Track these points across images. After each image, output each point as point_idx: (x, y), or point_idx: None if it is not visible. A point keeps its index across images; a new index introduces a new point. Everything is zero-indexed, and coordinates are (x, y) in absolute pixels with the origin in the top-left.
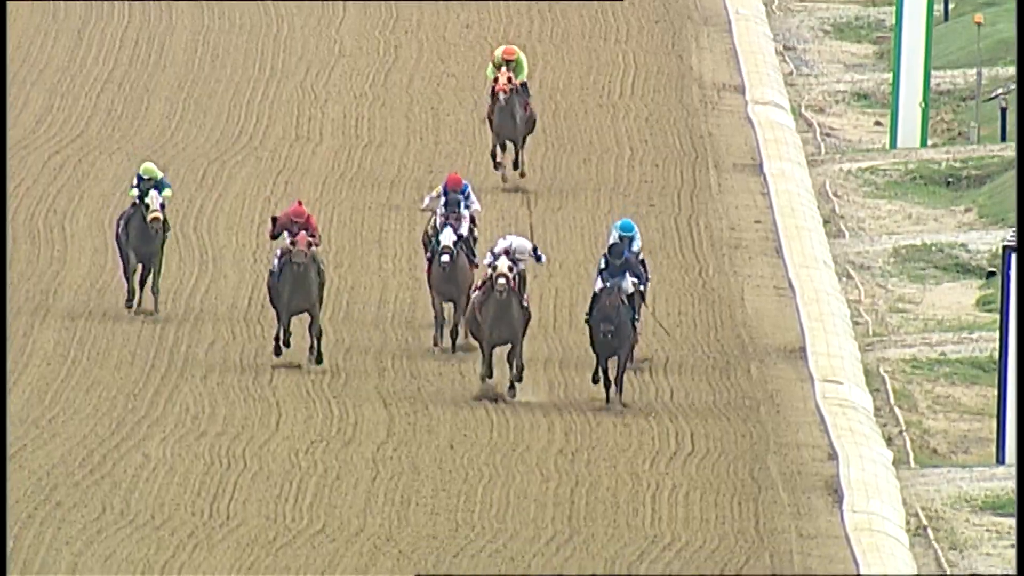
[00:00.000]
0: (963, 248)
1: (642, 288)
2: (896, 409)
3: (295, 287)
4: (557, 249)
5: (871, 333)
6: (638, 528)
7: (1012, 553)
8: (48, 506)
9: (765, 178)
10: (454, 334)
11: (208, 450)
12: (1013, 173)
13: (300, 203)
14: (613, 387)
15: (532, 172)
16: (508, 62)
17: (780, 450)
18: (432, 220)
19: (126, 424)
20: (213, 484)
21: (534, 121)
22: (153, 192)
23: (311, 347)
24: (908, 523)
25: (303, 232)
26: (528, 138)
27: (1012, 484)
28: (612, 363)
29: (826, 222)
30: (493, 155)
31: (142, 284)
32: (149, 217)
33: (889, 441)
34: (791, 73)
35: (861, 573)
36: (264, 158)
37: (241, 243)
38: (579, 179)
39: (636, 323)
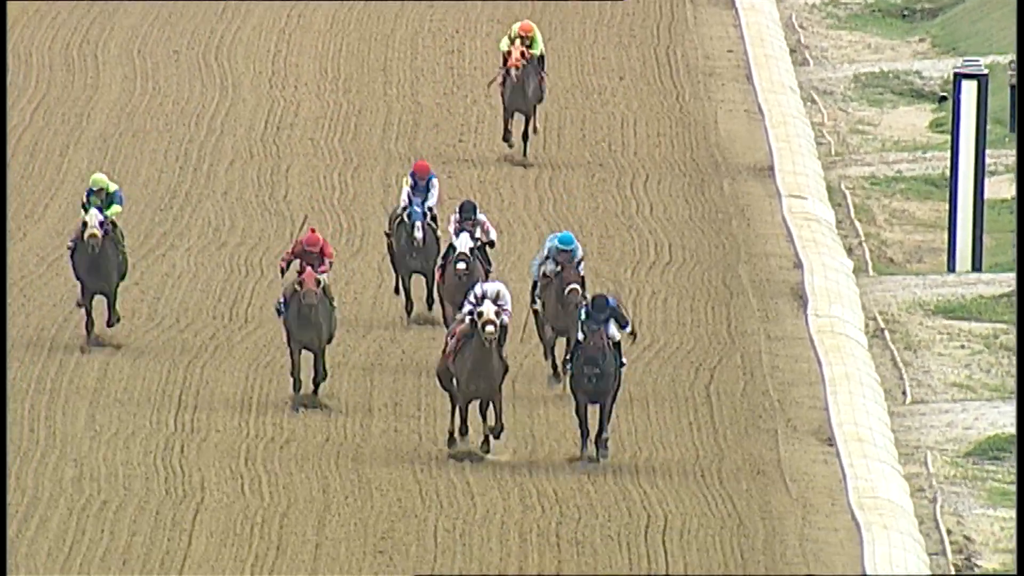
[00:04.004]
0: (917, 75)
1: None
2: (856, 222)
3: (302, 324)
4: (548, 74)
5: (833, 153)
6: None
7: (962, 353)
8: (82, 310)
9: (736, 11)
10: None
11: (228, 260)
12: (964, 6)
13: (313, 230)
14: (591, 440)
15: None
16: (523, 38)
17: (750, 259)
18: (396, 210)
19: (154, 235)
20: (233, 291)
21: (543, 92)
22: (93, 210)
23: (314, 382)
24: (867, 326)
25: (310, 269)
26: (538, 108)
27: (962, 291)
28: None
29: (792, 51)
30: (505, 127)
31: (108, 321)
32: (88, 233)
33: (850, 251)
34: None
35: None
36: None
37: (258, 71)
38: (566, 13)
39: (622, 370)
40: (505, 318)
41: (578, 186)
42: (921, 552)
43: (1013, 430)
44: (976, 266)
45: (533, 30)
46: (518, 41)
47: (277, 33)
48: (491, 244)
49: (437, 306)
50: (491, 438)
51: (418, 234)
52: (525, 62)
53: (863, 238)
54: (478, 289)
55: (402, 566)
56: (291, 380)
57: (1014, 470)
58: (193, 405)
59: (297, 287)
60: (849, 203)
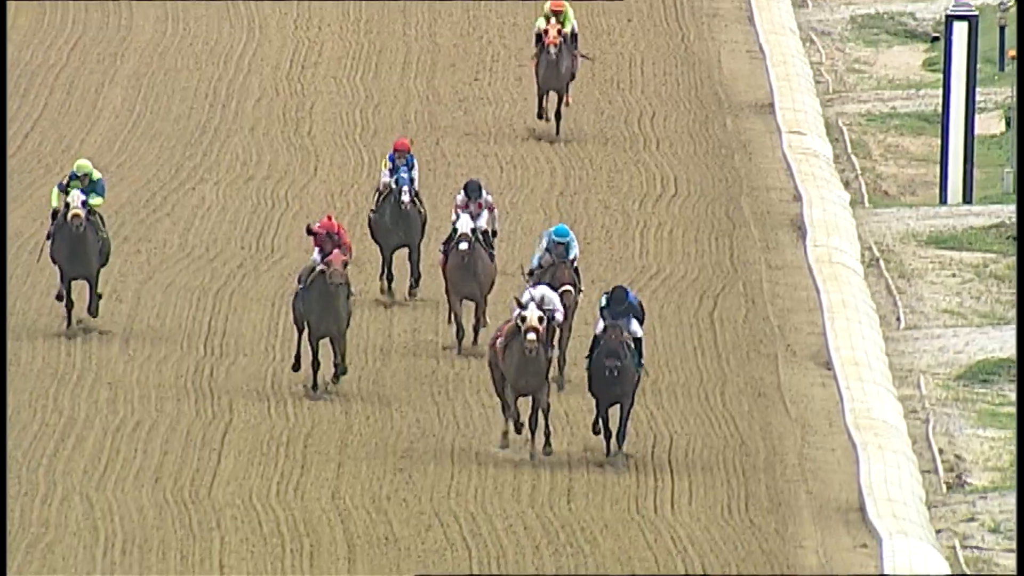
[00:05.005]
0: (911, 16)
1: (578, 297)
2: (853, 157)
3: (325, 309)
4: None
5: (831, 90)
6: (629, 260)
7: (954, 281)
8: (117, 240)
9: None
10: (476, 330)
11: (255, 192)
12: None
13: (330, 217)
14: (614, 438)
15: None
16: (556, 13)
17: (752, 192)
18: (377, 195)
19: (184, 169)
20: (259, 222)
21: (576, 69)
22: (75, 192)
23: (335, 370)
24: (863, 256)
25: (337, 251)
26: (571, 85)
27: (953, 222)
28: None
29: None
30: (540, 104)
31: (90, 310)
32: (71, 214)
33: (846, 184)
34: None
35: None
36: None
37: (283, 12)
38: None
39: (640, 368)
40: (558, 316)
41: (588, 123)
42: (914, 470)
43: (1002, 354)
44: (967, 198)
45: (564, 7)
46: (552, 19)
47: None
48: (493, 233)
49: (432, 292)
50: (549, 438)
51: (404, 197)
52: (561, 40)
53: (859, 172)
54: (528, 294)
55: (421, 483)
56: (310, 371)
57: (1003, 392)
58: (222, 330)
59: (324, 267)
60: (846, 138)
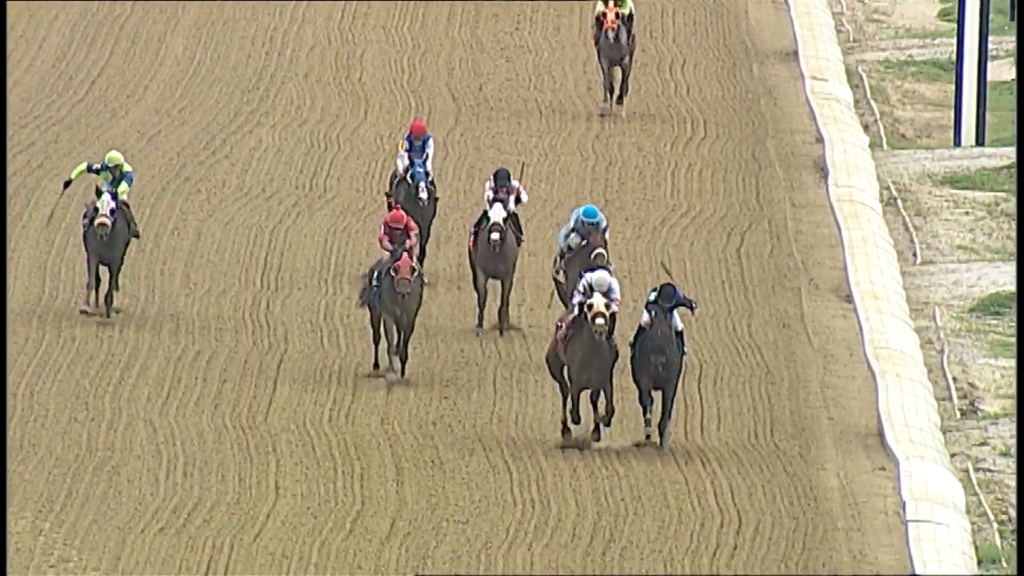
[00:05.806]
0: None
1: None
2: (872, 102)
3: (395, 303)
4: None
5: (852, 39)
6: (661, 199)
7: (967, 219)
8: (179, 180)
9: None
10: (501, 314)
11: (309, 135)
12: None
13: (399, 207)
14: (654, 429)
15: None
16: None
17: (777, 135)
18: (396, 171)
19: (242, 114)
20: (313, 163)
21: (633, 47)
22: (106, 196)
23: (400, 359)
24: (881, 195)
25: (406, 255)
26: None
27: (967, 163)
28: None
29: None
30: (605, 84)
31: (107, 298)
32: (97, 222)
33: (866, 128)
34: None
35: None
36: None
37: None
38: None
39: (684, 358)
40: (615, 307)
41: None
42: (929, 397)
43: (1012, 288)
44: (979, 141)
45: None
46: (611, 2)
47: None
48: (518, 200)
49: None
50: (602, 426)
51: (423, 195)
52: (620, 23)
53: (878, 116)
54: (586, 279)
55: (465, 410)
56: (376, 355)
57: (1013, 324)
58: (278, 266)
59: (392, 273)
60: (865, 84)
